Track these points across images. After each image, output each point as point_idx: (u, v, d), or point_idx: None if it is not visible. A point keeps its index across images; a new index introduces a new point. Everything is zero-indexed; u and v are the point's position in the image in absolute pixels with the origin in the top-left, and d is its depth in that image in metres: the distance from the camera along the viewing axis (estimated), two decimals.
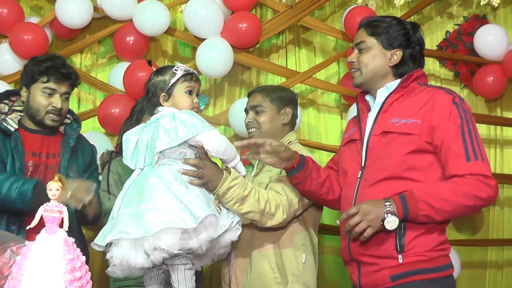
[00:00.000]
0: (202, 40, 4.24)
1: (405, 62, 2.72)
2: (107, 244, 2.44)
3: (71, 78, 3.24)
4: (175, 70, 2.66)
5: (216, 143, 2.59)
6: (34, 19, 4.42)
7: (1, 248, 2.29)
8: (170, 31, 4.34)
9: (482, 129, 4.52)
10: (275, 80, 4.57)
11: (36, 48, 4.20)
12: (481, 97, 4.59)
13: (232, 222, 2.62)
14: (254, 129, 3.12)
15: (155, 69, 2.77)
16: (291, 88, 4.44)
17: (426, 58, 4.33)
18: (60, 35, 4.50)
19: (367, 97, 2.80)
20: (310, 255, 2.99)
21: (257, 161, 3.17)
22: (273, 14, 4.55)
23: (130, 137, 2.62)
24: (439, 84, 4.56)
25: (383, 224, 2.44)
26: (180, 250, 2.39)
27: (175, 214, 2.37)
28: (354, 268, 2.66)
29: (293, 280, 2.88)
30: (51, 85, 3.17)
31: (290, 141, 3.13)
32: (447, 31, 4.67)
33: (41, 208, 1.94)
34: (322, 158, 4.50)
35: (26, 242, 1.95)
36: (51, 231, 1.92)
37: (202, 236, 2.42)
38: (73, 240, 1.96)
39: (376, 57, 2.72)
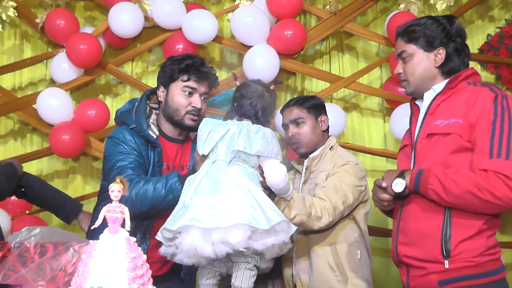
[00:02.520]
0: (249, 47, 4.25)
1: (450, 59, 2.63)
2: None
3: (210, 78, 3.13)
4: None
5: (277, 178, 2.58)
6: (89, 29, 4.49)
7: (64, 247, 2.34)
8: (217, 39, 4.36)
9: None
10: (320, 85, 4.56)
11: (90, 57, 4.29)
12: None
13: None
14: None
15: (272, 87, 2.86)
16: (334, 93, 4.48)
17: None
18: (113, 44, 4.57)
19: (417, 101, 2.73)
20: (364, 251, 3.07)
21: (304, 168, 3.18)
22: (317, 21, 4.54)
23: (205, 127, 2.66)
24: None
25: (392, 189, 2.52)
26: (245, 248, 2.38)
27: (250, 212, 2.37)
28: (404, 270, 2.62)
29: (352, 276, 2.96)
30: (192, 84, 3.04)
31: (331, 146, 3.17)
32: (488, 34, 4.59)
33: (104, 209, 1.97)
34: (366, 161, 4.48)
35: (90, 241, 1.99)
36: (114, 231, 1.95)
37: (269, 241, 2.41)
38: (135, 239, 1.99)
39: (420, 62, 2.64)
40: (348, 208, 2.95)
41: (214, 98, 4.41)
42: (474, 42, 4.61)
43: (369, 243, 3.14)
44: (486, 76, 4.58)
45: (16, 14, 4.51)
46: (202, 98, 3.09)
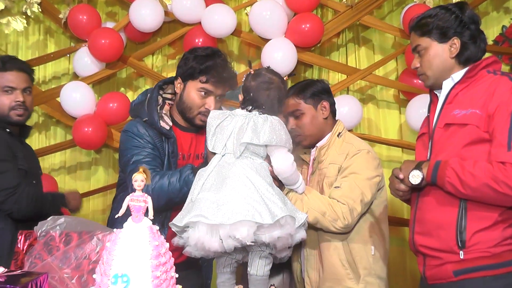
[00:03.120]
0: (267, 40, 4.27)
1: (466, 47, 2.54)
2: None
3: (229, 82, 3.04)
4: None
5: (283, 166, 2.55)
6: (110, 24, 4.54)
7: (88, 236, 2.37)
8: (236, 32, 4.38)
9: None
10: (336, 77, 4.56)
11: (112, 51, 4.33)
12: None
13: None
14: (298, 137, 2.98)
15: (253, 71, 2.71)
16: (350, 85, 4.47)
17: None
18: (134, 38, 4.60)
19: (436, 90, 2.66)
20: (379, 246, 2.92)
21: (311, 158, 3.05)
22: (334, 14, 4.54)
23: (212, 121, 2.59)
24: None
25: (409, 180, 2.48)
26: (253, 242, 2.36)
27: (254, 207, 2.33)
28: (420, 260, 2.60)
29: (365, 274, 2.84)
30: (209, 86, 2.96)
31: (339, 132, 3.00)
32: (503, 26, 4.55)
33: (127, 198, 1.99)
34: (382, 152, 4.48)
35: (114, 229, 2.01)
36: (137, 220, 1.97)
37: (276, 233, 2.38)
38: (157, 227, 2.01)
39: (435, 55, 2.57)
40: (365, 207, 2.83)
41: (233, 90, 4.41)
42: (489, 34, 4.56)
43: (387, 233, 3.01)
44: (502, 67, 4.54)
45: (40, 10, 4.55)
46: (217, 98, 3.02)
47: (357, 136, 4.35)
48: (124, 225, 1.98)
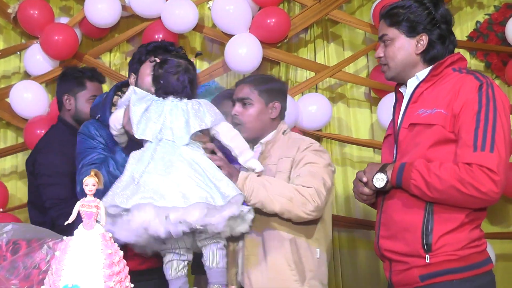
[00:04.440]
0: (231, 36, 4.25)
1: (433, 46, 2.56)
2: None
3: (180, 58, 2.99)
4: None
5: (233, 132, 2.69)
6: (64, 20, 4.49)
7: (38, 244, 2.32)
8: (198, 28, 4.36)
9: None
10: (304, 74, 4.57)
11: (66, 48, 4.27)
12: None
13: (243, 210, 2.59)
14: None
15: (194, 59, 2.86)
16: (319, 83, 4.47)
17: (456, 49, 4.31)
18: (90, 34, 4.55)
19: (401, 88, 2.69)
20: (324, 248, 2.87)
21: (258, 154, 2.95)
22: (301, 9, 4.54)
23: (137, 106, 2.62)
24: None
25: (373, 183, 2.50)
26: (202, 226, 2.42)
27: (205, 190, 2.40)
28: (387, 265, 2.60)
29: (310, 276, 2.78)
30: None
31: (284, 131, 2.95)
32: (477, 21, 4.61)
33: (78, 203, 1.95)
34: (353, 152, 4.50)
35: (64, 237, 1.97)
36: (89, 226, 1.93)
37: (226, 213, 2.45)
38: (110, 235, 1.97)
39: (401, 48, 2.58)
40: (329, 192, 2.80)
41: None
42: (463, 29, 4.62)
43: (331, 237, 2.99)
44: (476, 64, 4.60)
45: None
46: None
47: (326, 136, 4.42)
48: (75, 232, 1.94)
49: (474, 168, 2.29)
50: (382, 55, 2.66)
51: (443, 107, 2.42)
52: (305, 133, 4.20)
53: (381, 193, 2.60)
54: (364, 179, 2.54)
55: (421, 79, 2.57)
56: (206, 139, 2.67)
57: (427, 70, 2.56)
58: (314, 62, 4.54)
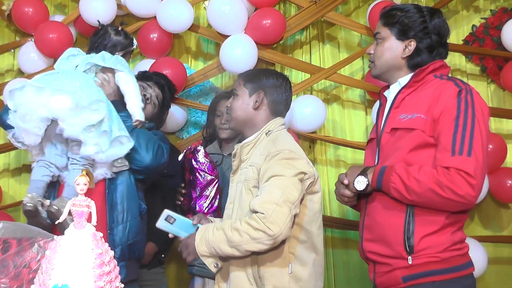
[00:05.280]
0: (226, 36, 4.25)
1: (419, 54, 2.63)
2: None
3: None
4: (134, 42, 3.30)
5: (128, 80, 3.13)
6: (59, 18, 4.47)
7: (29, 243, 2.32)
8: (194, 28, 4.35)
9: (510, 125, 4.50)
10: (299, 76, 4.57)
11: (61, 46, 4.22)
12: (508, 92, 4.51)
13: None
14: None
15: (121, 28, 3.29)
16: (314, 84, 4.48)
17: (452, 53, 4.31)
18: (84, 32, 4.54)
19: (385, 93, 2.75)
20: (300, 264, 2.66)
21: (233, 156, 2.92)
22: (297, 10, 4.54)
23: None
24: (465, 79, 4.52)
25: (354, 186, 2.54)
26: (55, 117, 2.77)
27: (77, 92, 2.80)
28: (371, 267, 2.65)
29: None
30: None
31: (269, 130, 2.80)
32: (473, 25, 4.62)
33: (69, 202, 1.96)
34: (347, 155, 4.50)
35: (55, 236, 1.98)
36: (80, 226, 1.95)
37: (110, 152, 2.83)
38: (101, 234, 1.98)
39: (389, 49, 2.66)
40: (295, 205, 2.56)
41: (189, 89, 4.41)
42: (459, 33, 4.64)
43: (321, 248, 2.77)
44: (471, 68, 4.62)
45: None
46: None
47: (321, 138, 4.43)
48: (66, 231, 1.95)
49: (452, 172, 2.35)
50: (372, 52, 2.74)
51: (423, 112, 2.48)
52: (299, 135, 4.22)
53: (364, 196, 2.65)
54: (345, 181, 2.59)
55: (403, 85, 2.63)
56: None
57: (409, 76, 2.63)
58: (309, 64, 4.54)
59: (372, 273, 2.62)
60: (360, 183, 2.53)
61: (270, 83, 2.89)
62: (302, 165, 2.64)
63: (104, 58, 3.09)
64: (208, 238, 2.60)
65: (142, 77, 3.63)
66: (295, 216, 2.59)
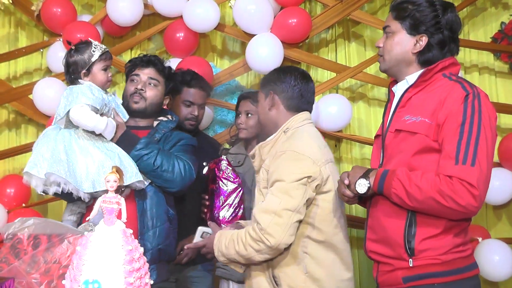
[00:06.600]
0: (252, 35, 4.27)
1: (430, 49, 2.53)
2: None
3: (153, 63, 3.33)
4: (93, 50, 3.03)
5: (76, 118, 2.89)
6: (86, 17, 4.52)
7: (58, 239, 2.36)
8: (220, 27, 4.38)
9: None
10: (325, 75, 4.58)
11: None
12: None
13: None
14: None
15: (73, 47, 3.08)
16: (340, 83, 4.48)
17: (480, 51, 4.26)
18: (111, 32, 4.59)
19: (393, 88, 2.67)
20: (316, 264, 2.69)
21: (254, 156, 2.93)
22: (323, 9, 4.55)
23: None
24: (493, 78, 4.50)
25: (355, 188, 2.50)
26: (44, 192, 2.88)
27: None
28: (375, 265, 2.63)
29: None
30: (136, 71, 3.30)
31: (287, 128, 2.81)
32: (502, 22, 4.58)
33: (100, 199, 1.99)
34: None
35: (85, 232, 2.01)
36: (110, 222, 1.97)
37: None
38: (131, 231, 2.01)
39: (399, 43, 2.55)
40: (296, 211, 2.58)
41: (215, 88, 4.43)
42: (487, 31, 4.59)
43: (344, 246, 2.80)
44: (500, 66, 4.57)
45: (11, 1, 4.53)
46: (150, 84, 3.29)
47: (347, 137, 4.43)
48: (96, 228, 1.98)
49: (455, 181, 2.29)
50: (381, 45, 2.64)
51: (428, 116, 2.42)
52: (325, 134, 4.22)
53: (367, 197, 2.62)
54: (346, 182, 2.54)
55: (410, 83, 2.56)
56: None
57: (417, 74, 2.55)
58: (335, 62, 4.54)
59: (375, 271, 2.61)
60: (362, 186, 2.48)
61: (277, 81, 2.90)
62: (306, 167, 2.64)
63: (59, 113, 2.95)
64: (222, 251, 2.70)
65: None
66: (304, 216, 2.63)
